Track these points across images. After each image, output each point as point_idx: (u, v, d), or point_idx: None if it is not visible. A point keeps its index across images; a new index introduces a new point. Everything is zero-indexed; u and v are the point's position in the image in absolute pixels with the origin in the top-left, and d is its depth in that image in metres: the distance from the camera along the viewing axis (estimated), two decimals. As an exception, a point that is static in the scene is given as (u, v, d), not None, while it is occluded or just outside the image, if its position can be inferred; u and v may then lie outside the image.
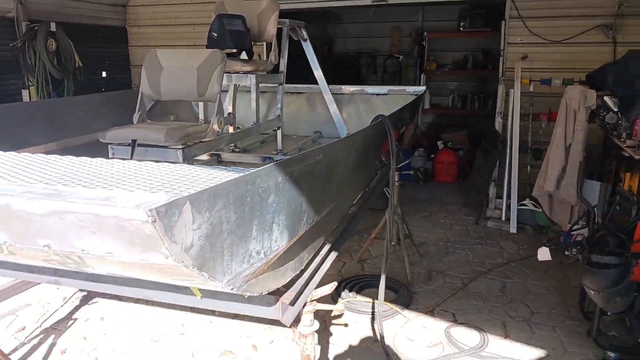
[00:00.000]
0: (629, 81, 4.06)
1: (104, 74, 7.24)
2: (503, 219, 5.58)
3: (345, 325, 3.63)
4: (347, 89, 4.61)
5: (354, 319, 3.71)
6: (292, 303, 1.92)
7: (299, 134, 4.83)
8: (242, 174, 1.25)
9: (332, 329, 3.59)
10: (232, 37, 3.19)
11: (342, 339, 3.45)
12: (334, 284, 2.09)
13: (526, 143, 5.58)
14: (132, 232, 0.99)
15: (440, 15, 9.87)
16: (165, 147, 2.62)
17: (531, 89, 5.57)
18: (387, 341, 3.41)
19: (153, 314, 3.81)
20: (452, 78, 9.78)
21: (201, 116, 3.60)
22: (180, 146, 2.63)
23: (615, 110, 4.20)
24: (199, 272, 1.13)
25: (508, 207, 5.52)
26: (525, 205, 5.42)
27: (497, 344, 3.35)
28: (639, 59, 4.08)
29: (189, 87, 2.93)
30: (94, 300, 4.03)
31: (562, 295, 3.98)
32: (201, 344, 3.41)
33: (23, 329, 3.63)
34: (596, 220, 3.10)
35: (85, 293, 4.13)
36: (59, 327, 3.66)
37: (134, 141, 2.58)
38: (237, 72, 3.38)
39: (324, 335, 3.49)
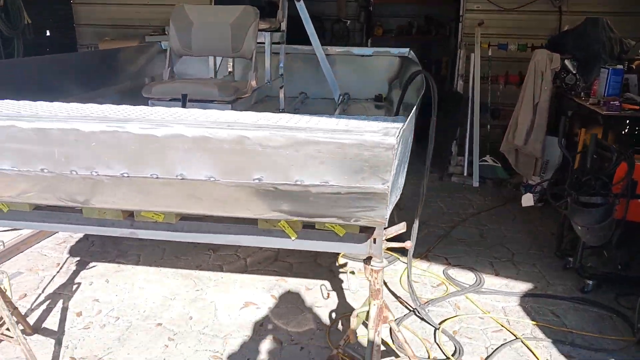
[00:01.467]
0: (587, 46, 4.55)
1: (47, 33, 6.72)
2: (465, 174, 6.04)
3: (352, 272, 3.87)
4: (333, 49, 4.72)
5: (359, 267, 3.95)
6: (374, 241, 2.10)
7: (285, 95, 4.92)
8: (403, 118, 1.39)
9: (342, 276, 3.82)
10: (250, -6, 3.19)
11: (353, 284, 3.69)
12: (404, 223, 2.28)
13: (485, 104, 6.03)
14: (365, 160, 1.11)
15: (384, -20, 10.10)
16: (212, 101, 2.62)
17: (489, 54, 6.00)
18: (394, 283, 3.71)
19: (159, 274, 3.81)
20: (397, 43, 10.08)
21: (210, 74, 3.56)
22: (229, 101, 2.65)
23: (574, 72, 4.69)
24: (389, 199, 1.27)
25: (470, 163, 5.98)
26: (485, 161, 5.91)
27: (491, 281, 3.76)
28: (596, 26, 4.55)
29: (223, 43, 2.91)
30: (92, 264, 3.94)
31: (533, 238, 4.48)
32: (219, 298, 3.49)
33: (24, 296, 3.50)
34: (577, 167, 3.54)
35: (78, 258, 4.02)
36: (64, 291, 3.56)
37: (184, 96, 2.56)
38: (255, 30, 3.38)
39: (335, 282, 3.71)
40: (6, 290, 2.71)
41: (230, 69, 3.86)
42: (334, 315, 3.32)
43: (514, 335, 3.11)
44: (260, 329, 3.16)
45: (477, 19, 6.28)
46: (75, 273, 3.81)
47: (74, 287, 3.63)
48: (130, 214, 2.11)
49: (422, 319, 3.26)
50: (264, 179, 1.20)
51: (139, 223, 2.12)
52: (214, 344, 3.01)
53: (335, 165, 1.14)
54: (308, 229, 2.03)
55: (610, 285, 3.58)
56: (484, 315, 3.32)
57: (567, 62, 4.67)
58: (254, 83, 2.92)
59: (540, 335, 3.13)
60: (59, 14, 7.02)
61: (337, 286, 3.68)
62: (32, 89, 3.31)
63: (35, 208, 2.18)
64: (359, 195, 1.24)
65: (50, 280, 3.70)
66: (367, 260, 2.27)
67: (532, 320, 3.27)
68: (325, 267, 3.95)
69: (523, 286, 3.70)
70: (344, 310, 3.38)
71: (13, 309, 2.83)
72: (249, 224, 2.07)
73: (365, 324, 2.44)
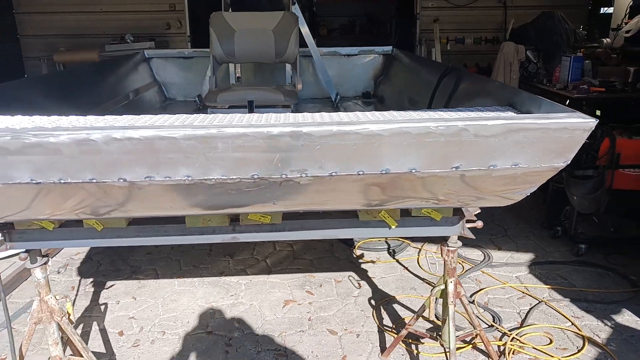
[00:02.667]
0: (548, 37, 5.07)
1: (-7, 46, 6.27)
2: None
3: (373, 262, 4.08)
4: (320, 50, 4.87)
5: (376, 256, 4.17)
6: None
7: None
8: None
9: (363, 266, 4.01)
10: (268, -1, 3.26)
11: (377, 272, 3.89)
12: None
13: (449, 95, 6.46)
14: (561, 141, 1.31)
15: (324, -19, 10.36)
16: (274, 106, 2.68)
17: (448, 48, 6.44)
18: (414, 266, 3.97)
19: (185, 285, 3.79)
20: (341, 42, 10.42)
21: (232, 80, 3.59)
22: (289, 105, 2.72)
23: (535, 61, 5.20)
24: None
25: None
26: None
27: (497, 255, 4.13)
28: (553, 19, 5.09)
29: (267, 49, 2.96)
30: (109, 284, 3.83)
31: (516, 214, 4.93)
32: (257, 300, 3.55)
33: (52, 323, 3.34)
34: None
35: (92, 279, 3.89)
36: (93, 314, 3.45)
37: (251, 102, 2.60)
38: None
39: (360, 272, 3.90)
40: (70, 314, 2.62)
41: (238, 75, 3.91)
42: (373, 301, 3.51)
43: (537, 299, 3.47)
44: (310, 323, 3.28)
45: (432, 16, 6.72)
46: (96, 294, 3.69)
47: (102, 308, 3.52)
48: (234, 219, 2.17)
49: (455, 295, 3.53)
50: (462, 166, 1.36)
51: (242, 227, 2.19)
52: (272, 342, 3.09)
53: (533, 148, 1.33)
54: (405, 217, 2.21)
55: (599, 248, 4.08)
56: (505, 286, 3.66)
57: (528, 52, 5.16)
58: (300, 87, 3.03)
59: (558, 296, 3.51)
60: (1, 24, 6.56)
61: (364, 275, 3.87)
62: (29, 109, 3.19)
63: (129, 223, 2.17)
64: (534, 174, 1.43)
65: (73, 305, 3.55)
66: (443, 241, 2.49)
67: (546, 284, 3.66)
68: (344, 260, 4.12)
69: (526, 256, 4.10)
70: (380, 296, 3.57)
71: (69, 334, 2.74)
72: (347, 218, 2.22)
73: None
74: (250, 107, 2.58)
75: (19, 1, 6.70)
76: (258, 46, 2.96)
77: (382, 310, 3.42)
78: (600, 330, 3.14)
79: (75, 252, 4.36)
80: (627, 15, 5.18)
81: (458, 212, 2.22)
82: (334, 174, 1.36)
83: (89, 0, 6.65)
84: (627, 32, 4.80)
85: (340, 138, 1.27)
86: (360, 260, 4.11)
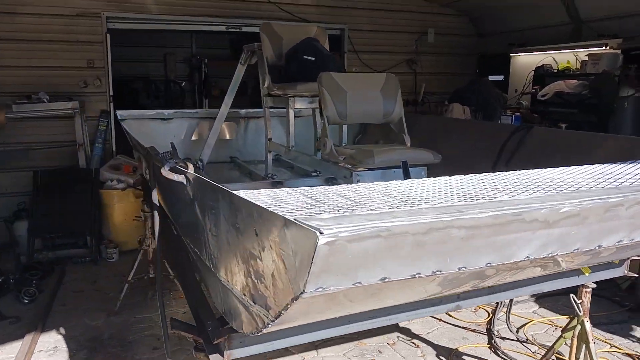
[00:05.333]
0: (486, 99, 5.85)
1: None
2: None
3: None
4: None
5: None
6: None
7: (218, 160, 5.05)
8: None
9: (401, 324, 3.95)
10: (332, 62, 3.17)
11: (419, 328, 3.88)
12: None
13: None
14: None
15: (211, 42, 10.20)
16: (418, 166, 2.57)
17: (378, 109, 6.91)
18: (444, 315, 4.05)
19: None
20: (234, 103, 10.25)
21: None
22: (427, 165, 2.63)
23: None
24: None
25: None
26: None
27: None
28: (487, 85, 5.91)
29: (376, 109, 2.82)
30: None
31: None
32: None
33: None
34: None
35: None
36: None
37: (405, 163, 2.43)
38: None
39: (405, 332, 3.84)
40: None
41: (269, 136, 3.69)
42: (442, 358, 3.48)
43: (570, 329, 3.84)
44: (406, 391, 3.11)
45: (356, 79, 7.17)
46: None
47: None
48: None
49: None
50: None
51: (464, 294, 2.09)
52: (389, 420, 2.85)
53: None
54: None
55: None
56: (534, 321, 3.97)
57: (469, 112, 5.88)
58: (409, 144, 2.96)
59: (581, 324, 3.94)
60: None
61: (410, 333, 3.82)
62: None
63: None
64: None
65: None
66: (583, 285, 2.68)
67: (562, 315, 4.08)
68: (378, 321, 4.01)
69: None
70: (443, 351, 3.56)
71: None
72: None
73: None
74: (405, 168, 2.44)
75: None
76: (368, 107, 2.84)
77: (456, 362, 3.42)
78: (636, 348, 3.61)
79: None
80: (532, 84, 6.28)
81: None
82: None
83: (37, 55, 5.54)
84: (543, 96, 5.81)
85: None
86: (394, 319, 4.04)
